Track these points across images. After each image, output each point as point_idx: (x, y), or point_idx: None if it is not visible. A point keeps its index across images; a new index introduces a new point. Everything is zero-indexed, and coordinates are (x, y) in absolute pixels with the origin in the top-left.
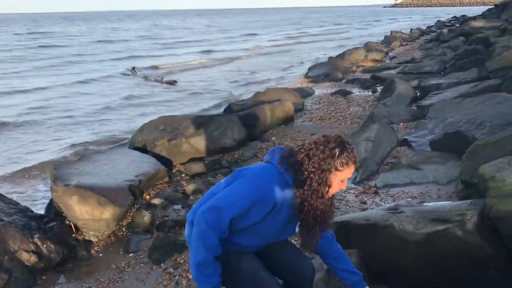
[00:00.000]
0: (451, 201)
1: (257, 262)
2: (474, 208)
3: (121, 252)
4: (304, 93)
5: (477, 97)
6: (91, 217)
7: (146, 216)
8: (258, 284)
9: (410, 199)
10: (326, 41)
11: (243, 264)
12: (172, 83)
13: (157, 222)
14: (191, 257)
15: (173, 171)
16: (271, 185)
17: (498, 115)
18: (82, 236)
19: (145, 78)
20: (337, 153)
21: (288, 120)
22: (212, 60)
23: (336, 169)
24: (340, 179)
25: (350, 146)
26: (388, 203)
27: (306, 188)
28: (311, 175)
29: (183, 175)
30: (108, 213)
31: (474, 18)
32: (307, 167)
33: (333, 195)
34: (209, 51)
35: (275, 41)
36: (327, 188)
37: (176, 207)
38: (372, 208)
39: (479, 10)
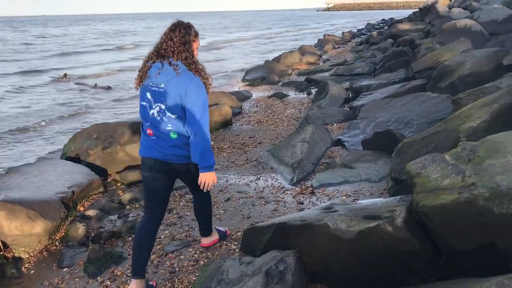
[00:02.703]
0: (382, 198)
1: None
2: (402, 204)
3: (54, 268)
4: (242, 97)
5: (405, 97)
6: (21, 233)
7: (80, 229)
8: None
9: (344, 197)
10: (261, 44)
11: None
12: (106, 88)
13: (92, 234)
14: (204, 151)
15: (108, 180)
16: None
17: (424, 113)
18: (11, 254)
19: (78, 84)
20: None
21: (226, 124)
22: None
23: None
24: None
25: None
26: (324, 203)
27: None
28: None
29: (119, 184)
30: (39, 227)
31: (401, 21)
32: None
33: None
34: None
35: (208, 46)
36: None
37: (112, 217)
38: (309, 208)
39: (406, 13)
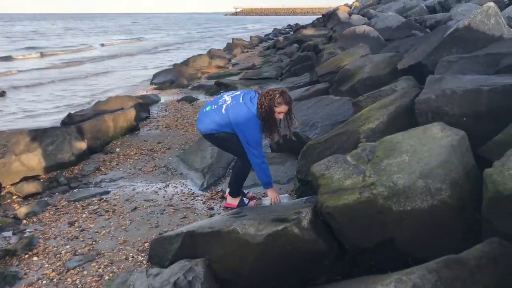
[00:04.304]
0: (286, 195)
1: None
2: (308, 205)
3: None
4: (150, 101)
5: (310, 100)
6: None
7: None
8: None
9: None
10: (166, 47)
11: None
12: (1, 94)
13: None
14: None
15: (2, 193)
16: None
17: (328, 116)
18: None
19: None
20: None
21: (132, 130)
22: (50, 64)
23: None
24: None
25: (285, 94)
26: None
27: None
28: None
29: (14, 197)
30: None
31: (306, 26)
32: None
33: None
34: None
35: (109, 46)
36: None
37: (5, 234)
38: (219, 213)
39: (310, 19)
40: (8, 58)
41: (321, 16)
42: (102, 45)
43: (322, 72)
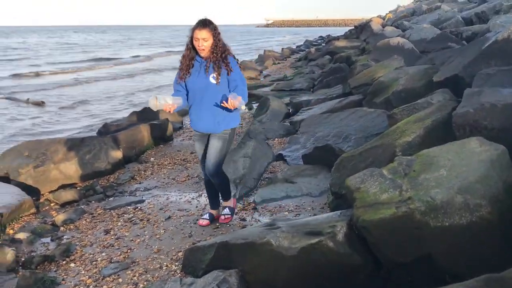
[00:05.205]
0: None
1: None
2: (343, 219)
3: None
4: (183, 111)
5: (343, 112)
6: None
7: (9, 254)
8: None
9: (286, 212)
10: None
11: None
12: (40, 103)
13: (23, 259)
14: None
15: (41, 200)
16: None
17: (361, 128)
18: None
19: (9, 98)
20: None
21: (166, 140)
22: (85, 78)
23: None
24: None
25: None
26: (267, 219)
27: None
28: None
29: (52, 204)
30: None
31: (338, 38)
32: None
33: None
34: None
35: (159, 58)
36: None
37: (44, 240)
38: (251, 225)
39: (342, 30)
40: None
41: (353, 27)
42: (148, 57)
43: (356, 84)
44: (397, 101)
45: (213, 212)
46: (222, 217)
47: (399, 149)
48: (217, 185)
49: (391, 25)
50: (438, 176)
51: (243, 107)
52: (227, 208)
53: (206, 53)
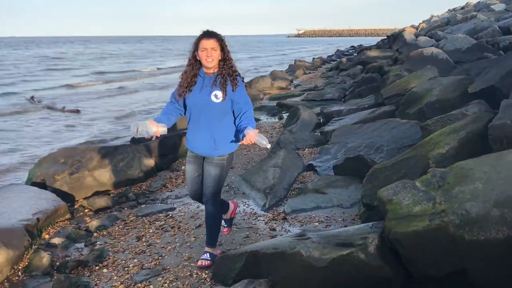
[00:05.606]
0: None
1: None
2: (375, 231)
3: None
4: None
5: (375, 122)
6: None
7: (45, 258)
8: None
9: (317, 223)
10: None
11: None
12: (76, 112)
13: (58, 263)
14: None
15: (76, 206)
16: None
17: (394, 139)
18: None
19: (46, 107)
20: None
21: None
22: (118, 89)
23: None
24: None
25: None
26: (296, 229)
27: None
28: None
29: (86, 210)
30: (0, 256)
31: (370, 48)
32: None
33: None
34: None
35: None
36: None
37: (78, 245)
38: (281, 235)
39: (374, 40)
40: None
41: (385, 37)
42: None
43: (388, 94)
44: (430, 112)
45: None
46: (200, 262)
47: (433, 161)
48: (209, 214)
49: (425, 35)
50: (474, 189)
51: (268, 145)
52: (208, 254)
53: (214, 64)
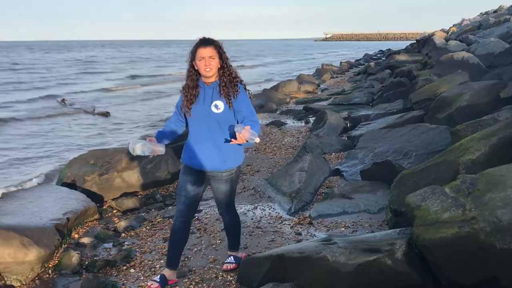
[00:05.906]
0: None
1: None
2: (402, 237)
3: None
4: None
5: (403, 127)
6: (14, 260)
7: (74, 257)
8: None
9: (343, 228)
10: (254, 74)
11: None
12: (105, 114)
13: (86, 263)
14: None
15: (104, 207)
16: None
17: (422, 144)
18: (3, 281)
19: (76, 109)
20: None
21: None
22: (147, 92)
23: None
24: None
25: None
26: (322, 234)
27: None
28: None
29: (114, 211)
30: (32, 255)
31: (398, 52)
32: None
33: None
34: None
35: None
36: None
37: (106, 245)
38: (307, 239)
39: (403, 44)
40: None
41: (415, 41)
42: None
43: (417, 99)
44: (460, 117)
45: (167, 273)
46: (225, 265)
47: (463, 167)
48: (227, 223)
49: (455, 39)
50: (505, 196)
51: (257, 139)
52: (232, 257)
53: (213, 73)
